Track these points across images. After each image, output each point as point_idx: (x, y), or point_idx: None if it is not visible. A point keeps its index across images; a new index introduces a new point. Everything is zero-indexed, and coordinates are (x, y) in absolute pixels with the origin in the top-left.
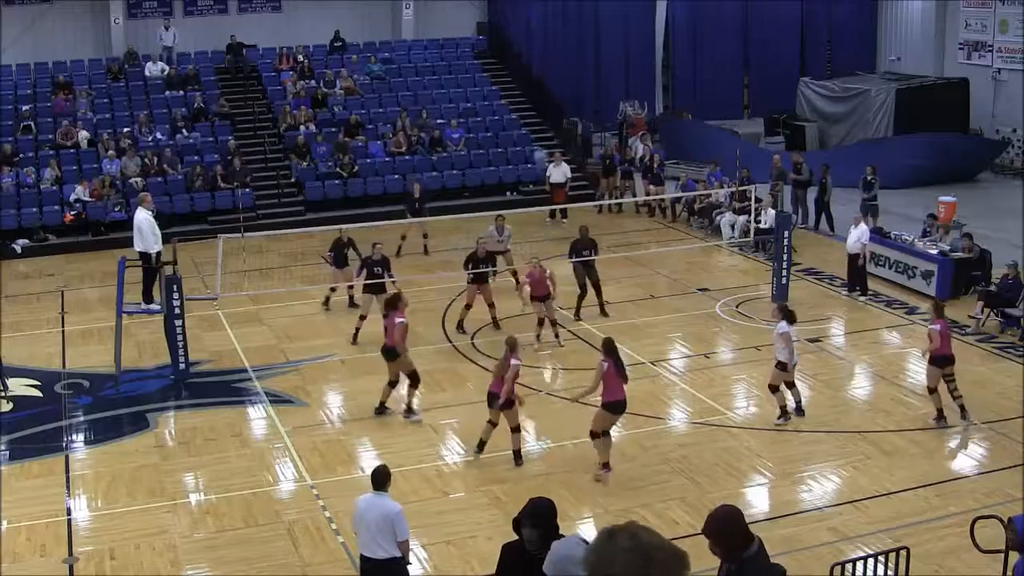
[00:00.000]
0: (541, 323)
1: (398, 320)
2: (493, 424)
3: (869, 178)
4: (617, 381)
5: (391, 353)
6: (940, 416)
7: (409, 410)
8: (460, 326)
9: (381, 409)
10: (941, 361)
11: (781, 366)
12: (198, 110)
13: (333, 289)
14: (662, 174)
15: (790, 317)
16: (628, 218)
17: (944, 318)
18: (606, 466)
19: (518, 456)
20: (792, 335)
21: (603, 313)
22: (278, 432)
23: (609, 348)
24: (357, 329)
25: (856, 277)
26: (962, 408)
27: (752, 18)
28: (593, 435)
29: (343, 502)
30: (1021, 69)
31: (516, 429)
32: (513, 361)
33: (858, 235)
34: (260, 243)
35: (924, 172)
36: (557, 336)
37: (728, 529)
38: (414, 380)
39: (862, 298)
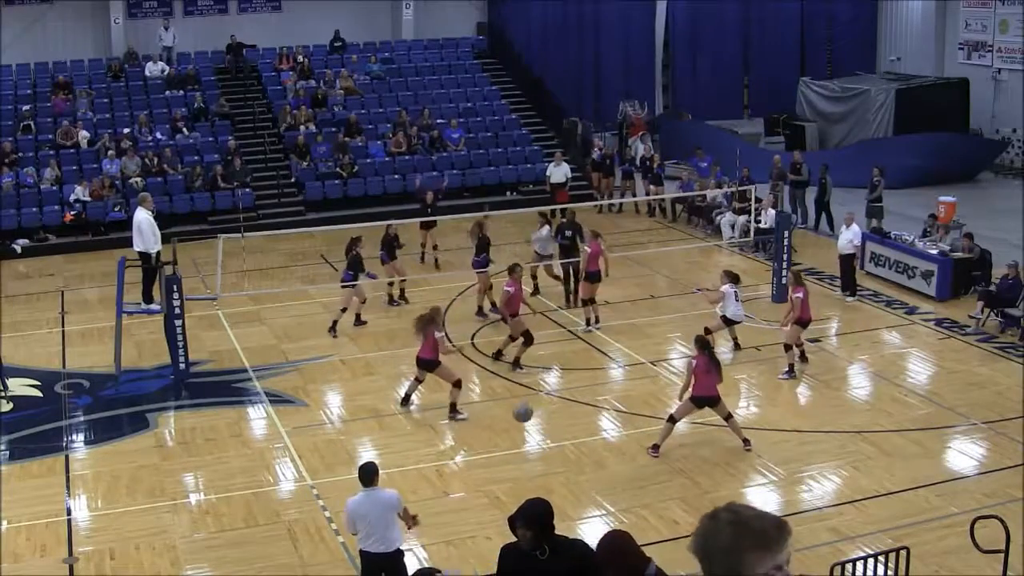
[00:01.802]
0: (586, 303)
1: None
2: (419, 381)
3: (875, 180)
4: (708, 377)
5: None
6: (791, 371)
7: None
8: (481, 311)
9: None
10: (805, 323)
11: (725, 320)
12: (198, 110)
13: (391, 283)
14: (662, 174)
15: (732, 279)
16: (628, 218)
17: (804, 285)
18: (655, 448)
19: (453, 409)
20: (734, 295)
21: (570, 303)
22: (278, 432)
23: (702, 344)
24: (335, 321)
25: (848, 278)
26: (793, 365)
27: (752, 18)
28: (670, 417)
29: (343, 502)
30: (1021, 69)
31: (457, 384)
32: (437, 333)
33: (851, 236)
34: (260, 243)
35: (924, 172)
36: (597, 319)
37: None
38: (528, 339)
39: (851, 299)
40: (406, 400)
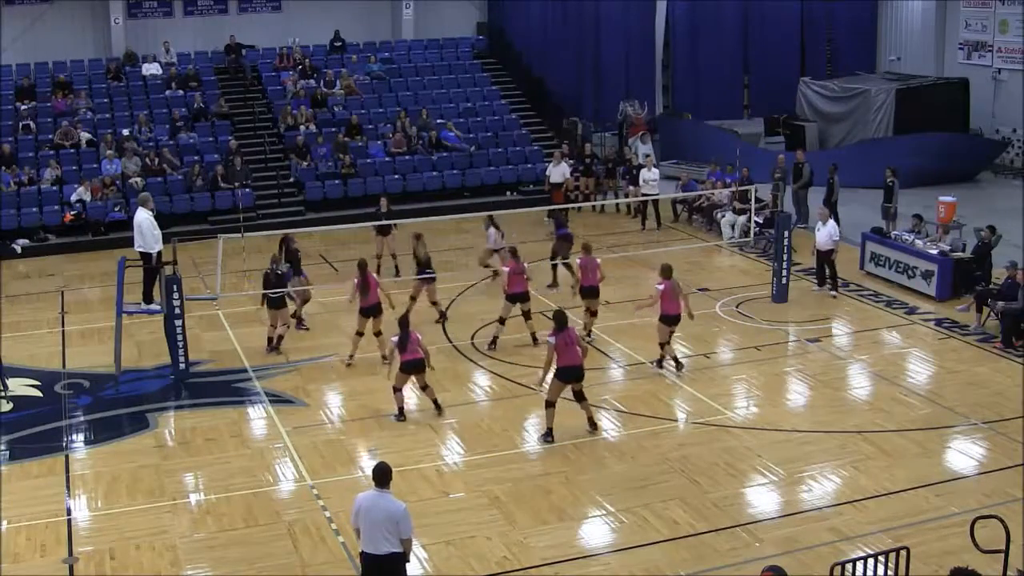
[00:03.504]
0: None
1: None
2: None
3: (889, 181)
4: (567, 350)
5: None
6: (660, 363)
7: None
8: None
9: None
10: (668, 320)
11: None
12: (198, 110)
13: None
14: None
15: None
16: (626, 219)
17: (670, 279)
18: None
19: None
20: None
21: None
22: (278, 432)
23: (560, 321)
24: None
25: (831, 273)
26: (675, 360)
27: (752, 18)
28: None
29: (343, 502)
30: (1021, 69)
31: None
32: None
33: (829, 232)
34: (260, 243)
35: (924, 172)
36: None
37: None
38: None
39: (833, 293)
40: (402, 413)
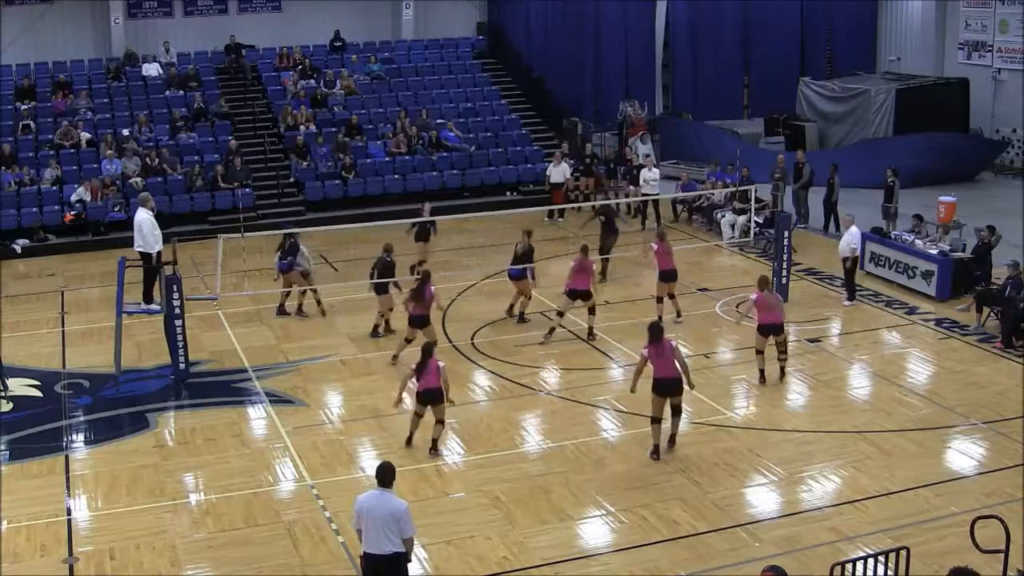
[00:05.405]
0: (660, 300)
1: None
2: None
3: (890, 181)
4: (660, 362)
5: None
6: (762, 377)
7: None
8: (515, 315)
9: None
10: (764, 329)
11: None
12: (198, 110)
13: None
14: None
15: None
16: (627, 219)
17: (764, 290)
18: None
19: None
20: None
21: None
22: (278, 432)
23: (654, 333)
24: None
25: (844, 279)
26: (782, 370)
27: (752, 18)
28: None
29: (343, 502)
30: (1021, 69)
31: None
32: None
33: (848, 239)
34: (260, 243)
35: (924, 172)
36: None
37: None
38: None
39: (847, 302)
40: (409, 441)
